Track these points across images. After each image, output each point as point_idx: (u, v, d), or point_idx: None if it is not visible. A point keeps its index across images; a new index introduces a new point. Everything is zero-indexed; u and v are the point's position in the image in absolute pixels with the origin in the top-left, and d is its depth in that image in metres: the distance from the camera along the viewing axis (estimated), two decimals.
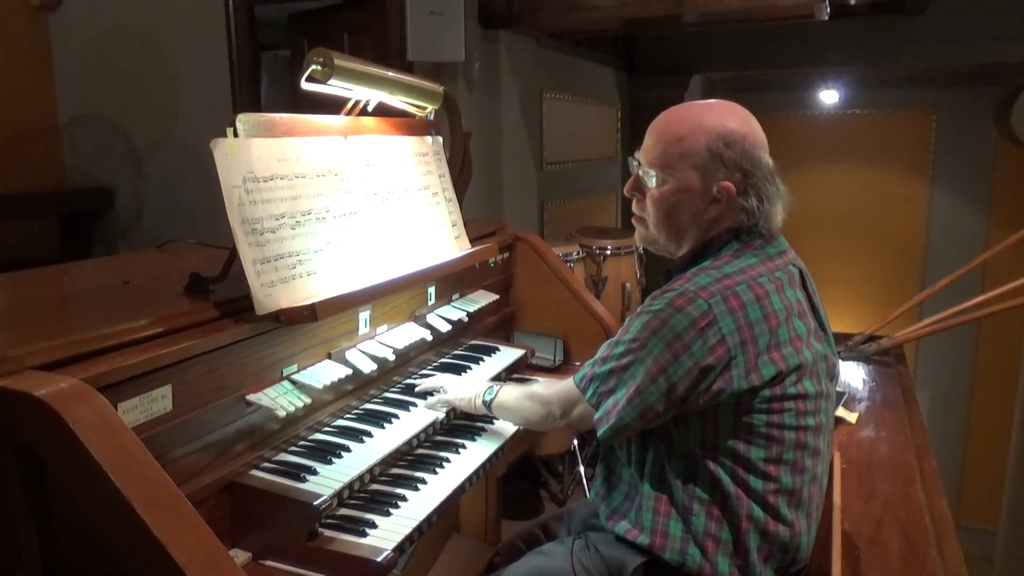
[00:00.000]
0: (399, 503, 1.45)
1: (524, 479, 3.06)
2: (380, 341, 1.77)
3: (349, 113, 1.83)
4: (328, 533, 1.34)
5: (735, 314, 1.30)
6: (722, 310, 1.30)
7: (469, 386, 1.81)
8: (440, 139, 2.10)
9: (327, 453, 1.49)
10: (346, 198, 1.66)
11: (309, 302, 1.42)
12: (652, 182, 1.44)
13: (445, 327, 2.00)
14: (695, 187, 1.40)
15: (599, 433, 1.41)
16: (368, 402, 1.77)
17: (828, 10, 3.49)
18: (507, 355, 2.20)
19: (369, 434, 1.60)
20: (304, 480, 1.39)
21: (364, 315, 1.75)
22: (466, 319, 2.10)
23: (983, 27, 4.99)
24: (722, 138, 1.38)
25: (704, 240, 1.44)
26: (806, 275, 1.48)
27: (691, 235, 1.45)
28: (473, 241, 2.11)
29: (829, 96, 6.75)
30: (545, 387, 1.67)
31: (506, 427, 1.82)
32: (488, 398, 1.74)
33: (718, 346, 1.29)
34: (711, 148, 1.38)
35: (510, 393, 1.73)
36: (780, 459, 1.35)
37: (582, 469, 3.01)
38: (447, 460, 1.65)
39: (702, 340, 1.29)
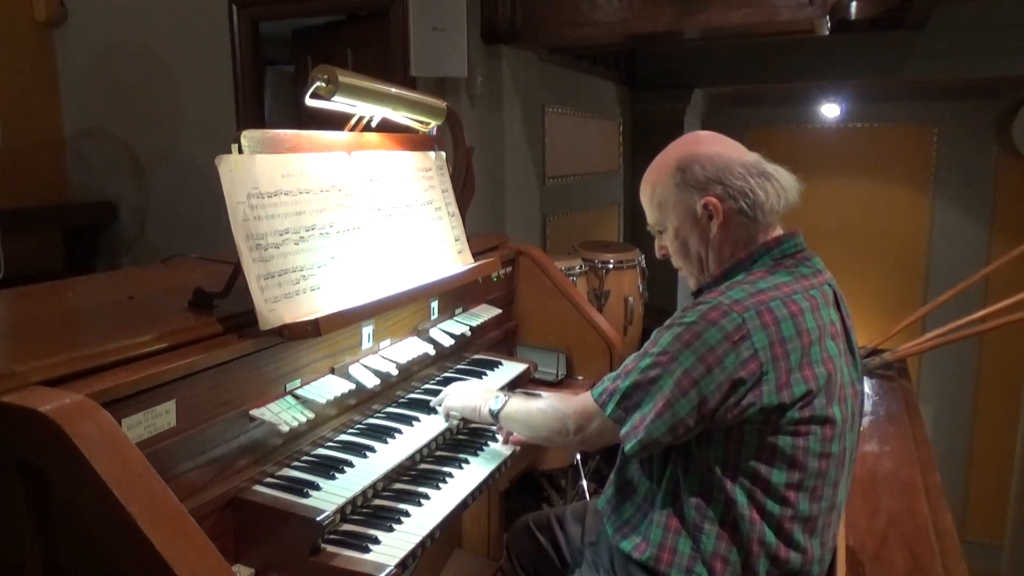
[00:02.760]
0: (402, 518, 1.45)
1: (527, 494, 3.05)
2: (383, 356, 1.77)
3: (353, 129, 1.84)
4: (331, 549, 1.34)
5: (768, 329, 1.30)
6: (756, 325, 1.30)
7: (475, 393, 1.78)
8: (443, 154, 2.11)
9: (330, 468, 1.49)
10: (350, 213, 1.67)
11: (312, 317, 1.43)
12: (662, 237, 1.55)
13: (448, 341, 2.00)
14: (687, 218, 1.48)
15: (627, 448, 1.39)
16: (371, 417, 1.77)
17: (829, 25, 3.50)
18: (510, 369, 2.20)
19: (372, 449, 1.60)
20: (307, 495, 1.39)
21: (367, 330, 1.75)
22: (469, 333, 2.10)
23: (983, 42, 5.02)
24: (678, 170, 1.47)
25: (734, 258, 1.45)
26: (840, 296, 1.48)
27: (712, 257, 1.48)
28: (476, 256, 2.11)
29: (830, 110, 6.78)
30: (560, 400, 1.63)
31: None
32: (496, 408, 1.70)
33: (750, 360, 1.29)
34: (675, 183, 1.48)
35: (520, 404, 1.68)
36: (801, 485, 1.34)
37: (585, 483, 3.00)
38: (450, 475, 1.65)
39: (735, 353, 1.29)
